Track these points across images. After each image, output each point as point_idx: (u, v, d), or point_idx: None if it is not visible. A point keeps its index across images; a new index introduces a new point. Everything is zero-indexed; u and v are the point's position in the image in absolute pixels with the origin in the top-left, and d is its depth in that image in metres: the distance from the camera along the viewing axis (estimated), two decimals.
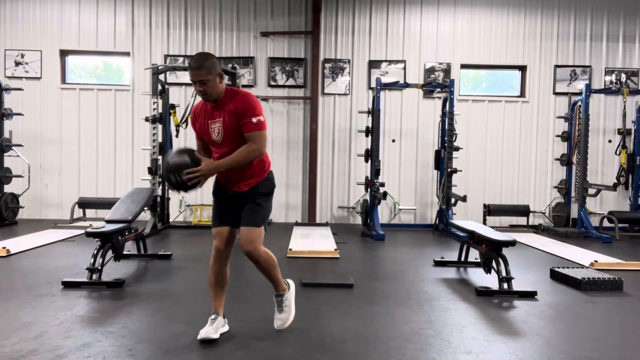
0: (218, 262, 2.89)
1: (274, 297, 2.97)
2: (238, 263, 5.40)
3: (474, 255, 4.83)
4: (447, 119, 7.45)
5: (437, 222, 7.83)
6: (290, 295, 3.00)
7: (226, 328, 3.01)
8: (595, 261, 5.16)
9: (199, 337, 2.82)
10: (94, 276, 4.03)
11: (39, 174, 8.25)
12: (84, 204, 7.73)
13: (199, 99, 2.84)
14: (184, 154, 2.69)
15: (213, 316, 2.93)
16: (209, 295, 2.98)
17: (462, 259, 4.98)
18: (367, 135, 7.57)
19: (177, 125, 7.18)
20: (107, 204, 7.15)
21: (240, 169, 2.76)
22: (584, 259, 5.48)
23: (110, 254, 4.27)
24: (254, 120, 2.68)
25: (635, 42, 8.54)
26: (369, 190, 7.46)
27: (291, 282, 3.09)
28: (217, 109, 2.75)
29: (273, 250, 2.92)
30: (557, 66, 8.51)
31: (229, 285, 3.01)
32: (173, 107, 7.21)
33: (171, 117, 7.17)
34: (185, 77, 8.16)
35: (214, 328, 2.87)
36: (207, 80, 2.65)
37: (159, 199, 7.05)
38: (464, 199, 7.04)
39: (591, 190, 7.52)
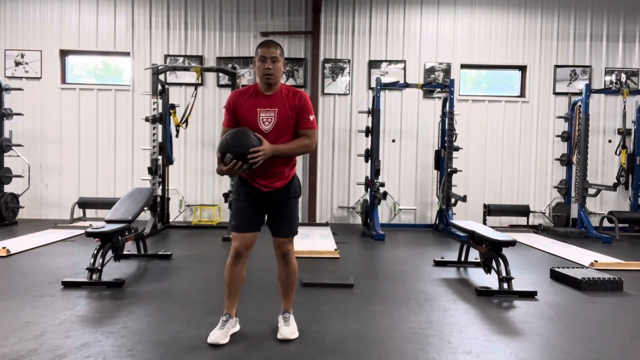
0: (239, 263, 2.84)
1: (282, 313, 3.00)
2: None
3: (474, 255, 4.83)
4: (447, 119, 7.45)
5: (437, 222, 7.84)
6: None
7: (237, 328, 2.99)
8: (595, 261, 5.17)
9: (208, 340, 2.80)
10: (94, 276, 4.03)
11: (39, 174, 8.25)
12: (84, 204, 7.73)
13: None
14: (249, 134, 2.62)
15: (225, 317, 2.91)
16: (224, 294, 2.93)
17: (462, 259, 4.98)
18: (367, 135, 7.57)
19: (177, 125, 7.18)
20: (107, 204, 7.15)
21: (279, 164, 2.74)
22: (584, 259, 5.48)
23: (110, 254, 4.27)
24: (311, 118, 2.75)
25: (635, 42, 8.54)
26: (369, 190, 7.46)
27: None
28: (270, 99, 2.72)
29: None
30: (557, 66, 8.51)
31: None
32: (173, 107, 7.20)
33: (171, 117, 7.17)
34: (185, 77, 8.15)
35: (224, 332, 2.85)
36: (278, 60, 2.67)
37: (159, 199, 7.06)
38: (464, 199, 7.04)
39: (591, 190, 7.52)
